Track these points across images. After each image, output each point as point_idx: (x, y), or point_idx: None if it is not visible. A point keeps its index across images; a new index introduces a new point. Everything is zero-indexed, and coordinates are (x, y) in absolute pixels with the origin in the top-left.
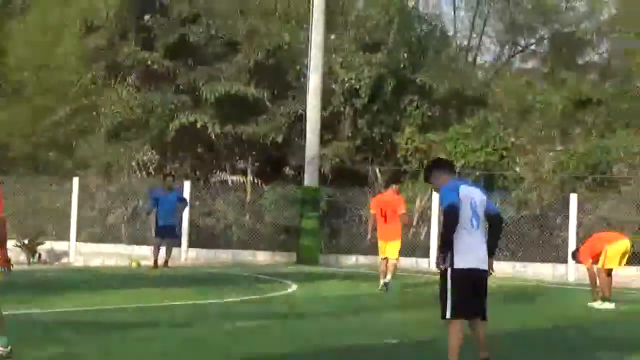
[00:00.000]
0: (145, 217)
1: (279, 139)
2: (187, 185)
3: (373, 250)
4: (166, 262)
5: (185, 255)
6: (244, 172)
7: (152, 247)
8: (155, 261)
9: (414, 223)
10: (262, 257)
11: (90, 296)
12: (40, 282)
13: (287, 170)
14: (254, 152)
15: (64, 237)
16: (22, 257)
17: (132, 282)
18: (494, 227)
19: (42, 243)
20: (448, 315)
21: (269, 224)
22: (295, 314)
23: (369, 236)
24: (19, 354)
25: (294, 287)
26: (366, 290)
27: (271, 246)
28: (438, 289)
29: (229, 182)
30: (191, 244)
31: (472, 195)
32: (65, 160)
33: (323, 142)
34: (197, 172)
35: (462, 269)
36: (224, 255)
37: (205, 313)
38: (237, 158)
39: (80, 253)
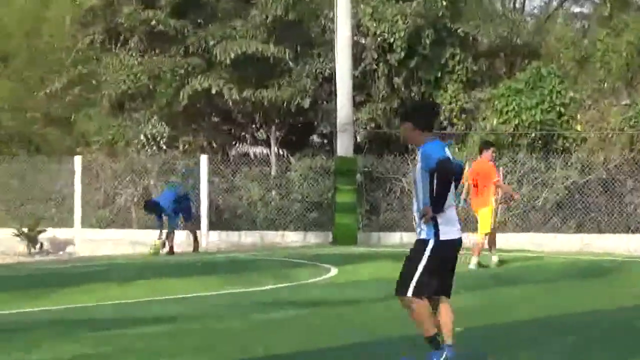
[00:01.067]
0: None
1: (305, 104)
2: (203, 159)
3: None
4: (195, 248)
5: (206, 239)
6: (267, 143)
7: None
8: (172, 247)
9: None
10: (292, 238)
11: (106, 289)
12: (46, 275)
13: (316, 138)
14: (277, 120)
15: (68, 223)
16: (22, 247)
17: (149, 272)
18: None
19: (43, 231)
20: (411, 292)
21: (299, 201)
22: (336, 302)
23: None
24: (29, 357)
25: (332, 271)
26: None
27: (302, 225)
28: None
29: (251, 154)
30: (212, 226)
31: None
32: (64, 136)
33: (356, 105)
34: (214, 145)
35: (447, 240)
36: (250, 238)
37: (233, 304)
38: (259, 127)
39: (87, 240)
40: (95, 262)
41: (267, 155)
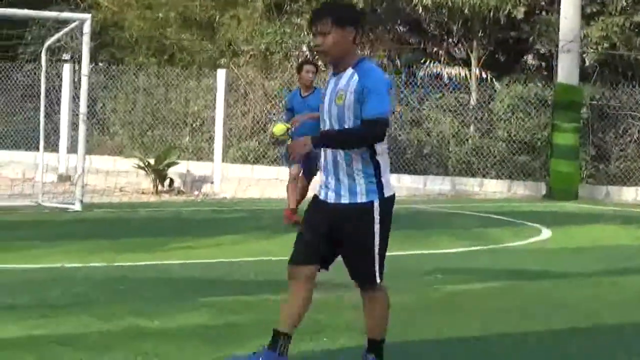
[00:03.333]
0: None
1: (519, 13)
2: None
3: None
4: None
5: None
6: (466, 63)
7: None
8: (294, 209)
9: None
10: (494, 187)
11: (248, 242)
12: (173, 220)
13: (530, 59)
14: (481, 33)
15: (206, 155)
16: (147, 183)
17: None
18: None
19: (174, 163)
20: (379, 277)
21: (503, 140)
22: (543, 274)
23: None
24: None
25: (544, 233)
26: None
27: (507, 172)
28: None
29: (445, 76)
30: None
31: None
32: (205, 44)
33: (585, 18)
34: (398, 63)
35: (391, 198)
36: (438, 185)
37: (410, 269)
38: (457, 42)
39: (229, 178)
40: (239, 206)
41: (466, 78)
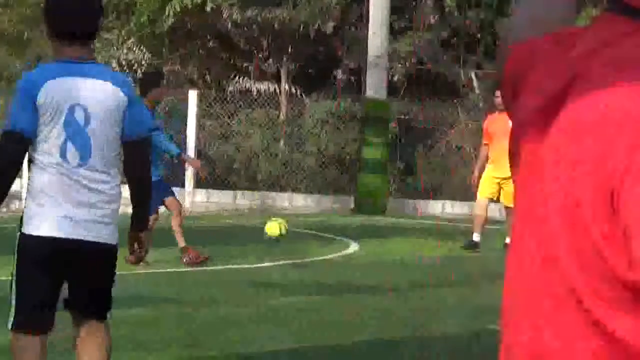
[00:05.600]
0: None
1: (328, 29)
2: (192, 96)
3: (470, 194)
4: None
5: (191, 198)
6: (276, 78)
7: None
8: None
9: None
10: (302, 202)
11: None
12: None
13: (340, 74)
14: (290, 49)
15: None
16: None
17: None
18: (133, 163)
19: None
20: (10, 324)
21: (313, 154)
22: (354, 287)
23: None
24: None
25: (352, 247)
26: (460, 251)
27: (317, 187)
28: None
29: (254, 91)
30: (199, 184)
31: (78, 96)
32: (14, 59)
33: (393, 34)
34: (208, 78)
35: (41, 238)
36: (248, 200)
37: (226, 284)
38: (266, 57)
39: None
40: None
41: (276, 93)
